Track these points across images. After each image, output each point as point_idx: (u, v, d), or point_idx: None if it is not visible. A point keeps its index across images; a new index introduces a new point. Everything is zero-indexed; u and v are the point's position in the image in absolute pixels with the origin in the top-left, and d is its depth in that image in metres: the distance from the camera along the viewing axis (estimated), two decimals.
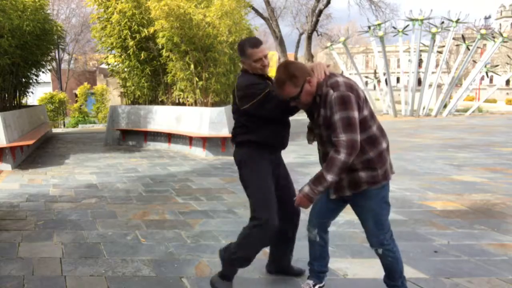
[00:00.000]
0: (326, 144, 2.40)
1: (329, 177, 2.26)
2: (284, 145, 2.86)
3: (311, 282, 2.74)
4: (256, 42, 2.61)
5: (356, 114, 2.25)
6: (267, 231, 2.62)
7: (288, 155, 8.59)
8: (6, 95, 10.48)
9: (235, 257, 2.70)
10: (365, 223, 2.50)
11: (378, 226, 2.46)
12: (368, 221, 2.48)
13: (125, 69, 11.19)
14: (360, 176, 2.37)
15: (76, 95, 23.09)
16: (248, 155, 2.73)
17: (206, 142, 8.90)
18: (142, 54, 10.19)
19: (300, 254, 3.39)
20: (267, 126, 2.65)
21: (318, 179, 2.31)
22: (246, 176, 2.74)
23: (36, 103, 17.58)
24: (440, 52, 21.80)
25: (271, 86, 2.60)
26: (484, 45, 23.56)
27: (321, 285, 2.75)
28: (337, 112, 2.23)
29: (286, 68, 2.31)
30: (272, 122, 2.69)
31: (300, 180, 6.23)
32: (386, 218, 2.49)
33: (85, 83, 23.00)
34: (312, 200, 2.36)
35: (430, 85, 21.02)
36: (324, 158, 2.42)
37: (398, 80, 30.06)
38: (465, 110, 23.34)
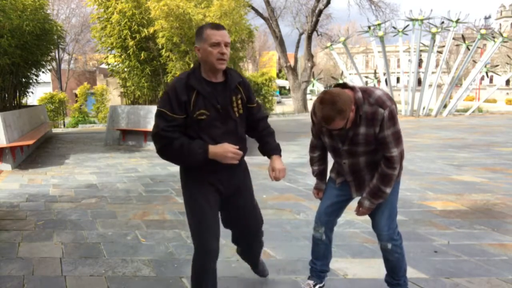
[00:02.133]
0: (358, 156, 2.42)
1: (388, 190, 2.38)
2: (222, 163, 2.22)
3: (311, 282, 2.74)
4: (217, 25, 2.18)
5: (399, 125, 2.34)
6: (200, 256, 2.31)
7: (288, 155, 8.60)
8: (6, 95, 10.47)
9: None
10: (380, 217, 2.52)
11: (390, 220, 2.51)
12: (383, 214, 2.51)
13: (125, 69, 11.19)
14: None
15: (76, 95, 23.11)
16: (181, 178, 2.37)
17: None
18: (142, 54, 10.19)
19: (301, 254, 3.40)
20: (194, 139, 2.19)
21: (376, 194, 2.40)
22: (184, 202, 2.38)
23: (36, 103, 17.58)
24: (440, 52, 21.78)
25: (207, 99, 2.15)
26: (484, 45, 23.56)
27: (321, 285, 2.75)
28: (389, 128, 2.27)
29: (334, 105, 2.15)
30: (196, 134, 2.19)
31: (300, 180, 6.25)
32: (396, 212, 2.56)
33: (85, 83, 23.04)
34: (371, 209, 2.48)
35: (430, 85, 21.01)
36: (352, 168, 2.47)
37: (398, 80, 30.06)
38: (465, 110, 23.34)
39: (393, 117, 2.26)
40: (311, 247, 2.75)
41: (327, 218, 2.65)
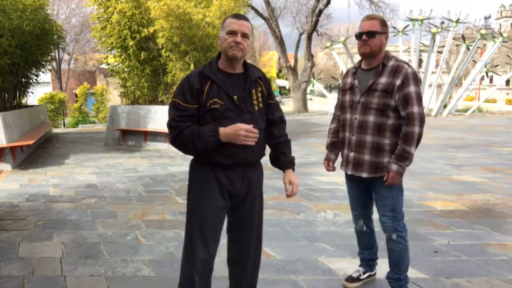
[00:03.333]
0: (369, 111, 2.53)
1: (412, 150, 2.44)
2: (242, 158, 2.12)
3: (361, 269, 2.89)
4: (239, 15, 2.14)
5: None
6: (189, 266, 2.16)
7: None
8: (6, 95, 10.48)
9: None
10: (382, 210, 2.61)
11: (394, 213, 2.58)
12: (385, 208, 2.59)
13: (125, 69, 11.19)
14: (384, 161, 2.51)
15: (76, 95, 23.12)
16: (189, 174, 2.24)
17: None
18: (142, 54, 10.19)
19: (301, 254, 3.41)
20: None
21: (402, 156, 2.45)
22: (187, 201, 2.24)
23: (36, 103, 17.58)
24: (440, 52, 21.79)
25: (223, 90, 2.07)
26: (484, 45, 23.59)
27: (371, 273, 2.88)
28: (412, 85, 2.44)
29: (382, 17, 2.60)
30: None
31: (300, 180, 6.24)
32: (401, 205, 2.61)
33: (85, 83, 23.03)
34: (402, 175, 2.48)
35: (430, 85, 21.03)
36: (361, 128, 2.57)
37: None
38: (465, 110, 23.36)
39: (416, 78, 2.47)
40: (356, 239, 2.90)
41: (361, 211, 2.79)
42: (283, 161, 2.29)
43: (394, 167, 2.46)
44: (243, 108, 2.10)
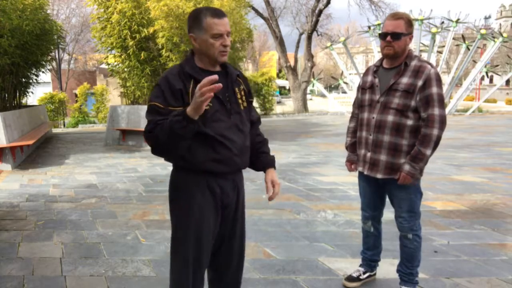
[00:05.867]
0: (388, 111, 2.50)
1: (428, 152, 2.41)
2: (238, 163, 1.99)
3: (361, 269, 2.90)
4: (218, 12, 1.89)
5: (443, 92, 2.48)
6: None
7: (288, 155, 8.60)
8: (6, 95, 10.48)
9: None
10: (400, 212, 2.63)
11: (412, 214, 2.60)
12: (403, 210, 2.60)
13: (125, 69, 11.20)
14: (400, 162, 2.50)
15: (76, 95, 23.12)
16: (175, 184, 2.13)
17: None
18: (142, 54, 10.20)
19: (301, 254, 3.40)
20: (197, 137, 1.85)
21: (416, 157, 2.43)
22: (172, 217, 2.11)
23: (36, 103, 17.58)
24: (440, 52, 21.78)
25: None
26: (484, 45, 23.56)
27: (371, 273, 2.89)
28: (434, 86, 2.39)
29: (407, 15, 2.49)
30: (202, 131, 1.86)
31: (300, 180, 6.25)
32: (419, 206, 2.64)
33: (85, 83, 23.04)
34: (415, 177, 2.46)
35: None
36: (378, 127, 2.54)
37: None
38: (465, 110, 23.33)
39: (439, 79, 2.41)
40: (362, 238, 2.90)
41: (371, 213, 2.78)
42: (265, 160, 2.14)
43: (406, 167, 2.45)
44: (231, 109, 1.95)
